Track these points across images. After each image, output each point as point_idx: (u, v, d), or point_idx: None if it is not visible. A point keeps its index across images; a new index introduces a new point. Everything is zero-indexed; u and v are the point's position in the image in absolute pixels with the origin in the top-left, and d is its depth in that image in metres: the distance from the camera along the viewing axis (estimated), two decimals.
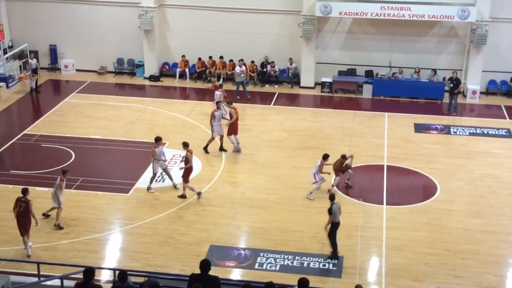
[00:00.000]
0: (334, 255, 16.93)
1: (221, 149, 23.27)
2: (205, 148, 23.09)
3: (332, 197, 17.09)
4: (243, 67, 28.91)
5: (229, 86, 30.42)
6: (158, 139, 20.38)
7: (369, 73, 30.02)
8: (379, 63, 29.95)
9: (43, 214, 18.64)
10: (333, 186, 20.58)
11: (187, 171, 19.96)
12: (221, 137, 23.24)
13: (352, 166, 20.83)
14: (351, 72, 30.18)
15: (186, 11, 30.76)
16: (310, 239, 17.93)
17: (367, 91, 29.52)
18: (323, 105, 28.80)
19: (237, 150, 23.22)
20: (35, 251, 17.05)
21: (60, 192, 18.48)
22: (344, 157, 20.39)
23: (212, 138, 23.07)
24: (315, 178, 20.24)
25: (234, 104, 23.84)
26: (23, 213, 16.85)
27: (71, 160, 22.44)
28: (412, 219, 19.18)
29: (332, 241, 16.89)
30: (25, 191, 17.09)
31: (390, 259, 17.12)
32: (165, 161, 20.66)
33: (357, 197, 20.33)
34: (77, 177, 21.28)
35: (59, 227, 18.36)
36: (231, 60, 30.54)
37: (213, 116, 22.88)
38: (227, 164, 22.41)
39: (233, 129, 23.26)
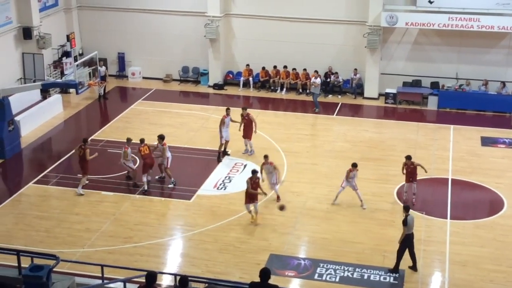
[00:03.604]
0: (396, 268, 16.68)
1: (225, 153, 23.60)
2: (225, 153, 23.61)
3: (407, 208, 16.75)
4: (318, 79, 28.73)
5: (292, 96, 30.48)
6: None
7: (434, 85, 29.51)
8: (445, 74, 29.41)
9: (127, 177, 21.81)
10: (414, 194, 20.44)
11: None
12: (227, 143, 23.56)
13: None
14: (416, 83, 29.76)
15: (251, 21, 31.00)
16: (371, 251, 17.72)
17: (432, 103, 29.01)
18: (387, 116, 28.47)
19: (250, 153, 23.63)
20: (99, 253, 17.49)
21: (126, 159, 21.18)
22: (409, 158, 20.22)
23: (221, 144, 23.43)
24: (354, 186, 20.27)
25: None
26: (82, 157, 20.73)
27: (135, 166, 22.84)
28: (477, 234, 18.70)
29: (400, 254, 16.62)
30: (85, 140, 20.94)
31: (453, 275, 16.73)
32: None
33: (420, 210, 19.98)
34: (141, 182, 21.71)
35: (135, 185, 21.27)
36: (294, 69, 30.60)
37: (222, 122, 23.18)
38: (289, 174, 22.40)
39: (246, 134, 23.54)
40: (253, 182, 18.99)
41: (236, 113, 23.91)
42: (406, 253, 16.74)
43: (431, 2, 28.25)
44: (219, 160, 23.30)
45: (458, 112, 28.65)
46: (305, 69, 30.45)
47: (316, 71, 29.45)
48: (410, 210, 16.83)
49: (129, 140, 21.72)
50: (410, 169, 20.31)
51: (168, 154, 21.57)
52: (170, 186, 21.49)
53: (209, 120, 27.33)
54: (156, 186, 21.58)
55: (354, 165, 20.19)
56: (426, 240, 18.28)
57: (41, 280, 10.37)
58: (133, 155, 21.86)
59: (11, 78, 27.75)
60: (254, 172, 19.30)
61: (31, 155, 24.66)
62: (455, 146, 24.86)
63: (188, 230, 18.90)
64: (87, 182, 21.25)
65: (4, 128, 23.53)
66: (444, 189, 21.48)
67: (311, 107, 28.71)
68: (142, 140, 21.36)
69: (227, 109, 23.66)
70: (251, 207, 19.13)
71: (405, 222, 16.45)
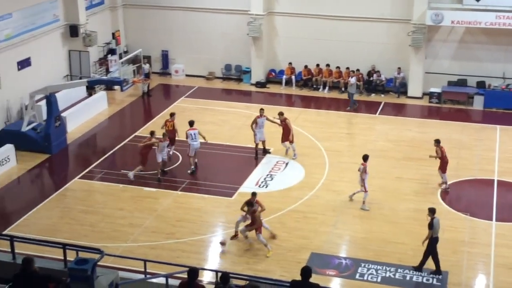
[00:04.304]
0: (438, 270, 16.48)
1: (265, 151, 23.62)
2: (265, 151, 23.66)
3: (433, 211, 16.55)
4: (353, 78, 28.43)
5: (334, 94, 30.31)
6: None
7: (480, 84, 29.00)
8: (491, 73, 28.86)
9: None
10: (445, 183, 20.61)
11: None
12: (263, 142, 23.54)
13: (459, 179, 20.27)
14: (462, 82, 29.30)
15: (294, 19, 30.94)
16: (414, 252, 17.49)
17: (478, 103, 28.52)
18: (431, 116, 28.08)
19: (294, 157, 23.33)
20: (142, 248, 17.73)
21: (158, 150, 21.68)
22: (438, 142, 20.79)
23: (256, 144, 23.33)
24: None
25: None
26: (145, 147, 21.54)
27: (178, 163, 23.11)
28: None
29: (434, 256, 16.43)
30: (152, 133, 21.82)
31: (498, 278, 16.44)
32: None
33: (464, 211, 19.69)
34: (183, 179, 21.93)
35: (158, 180, 21.73)
36: (338, 67, 30.42)
37: (255, 122, 23.23)
38: (330, 172, 22.32)
39: (285, 138, 23.28)
40: (251, 214, 17.66)
41: (272, 113, 23.92)
42: (448, 254, 16.52)
43: (478, 0, 27.74)
44: (256, 158, 23.33)
45: (505, 112, 28.08)
46: (347, 68, 30.26)
47: (352, 70, 29.27)
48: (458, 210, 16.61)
49: (164, 135, 22.21)
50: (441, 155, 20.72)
51: (191, 142, 21.98)
52: (188, 172, 22.11)
53: (251, 118, 27.26)
54: (198, 183, 21.75)
55: (365, 158, 19.94)
56: (470, 242, 18.01)
57: (86, 274, 10.54)
58: (169, 150, 22.50)
59: (58, 75, 28.31)
60: (249, 204, 17.80)
61: (76, 150, 25.13)
62: (502, 147, 24.39)
63: (229, 227, 18.97)
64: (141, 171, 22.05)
65: (51, 124, 24.03)
66: (489, 190, 21.11)
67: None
68: (171, 114, 23.35)
69: (261, 110, 23.57)
70: (247, 232, 17.86)
71: (431, 225, 16.23)
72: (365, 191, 19.82)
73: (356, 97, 28.60)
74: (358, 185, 20.03)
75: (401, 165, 22.75)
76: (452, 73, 29.43)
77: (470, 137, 25.39)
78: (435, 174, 21.64)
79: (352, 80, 28.36)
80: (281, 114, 23.61)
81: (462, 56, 29.23)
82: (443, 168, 20.86)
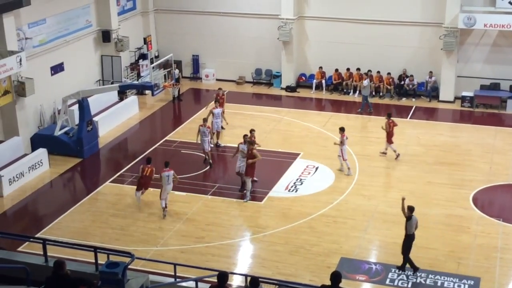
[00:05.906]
0: (402, 267, 16.62)
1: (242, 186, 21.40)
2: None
3: (411, 209, 16.41)
4: (367, 81, 28.39)
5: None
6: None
7: None
8: None
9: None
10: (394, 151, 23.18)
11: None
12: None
13: (492, 184, 20.00)
14: (495, 86, 28.90)
15: (325, 23, 30.85)
16: (445, 257, 17.35)
17: (511, 107, 28.08)
18: (463, 120, 27.74)
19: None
20: (172, 252, 17.83)
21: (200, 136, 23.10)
22: (390, 115, 23.38)
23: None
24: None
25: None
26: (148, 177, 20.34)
27: (208, 167, 23.19)
28: None
29: (405, 253, 16.45)
30: (149, 161, 20.64)
31: None
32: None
33: (497, 217, 19.40)
34: (214, 183, 22.01)
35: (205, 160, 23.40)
36: (369, 71, 30.19)
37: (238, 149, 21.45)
38: (361, 177, 22.19)
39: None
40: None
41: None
42: (481, 260, 16.30)
43: (511, 3, 27.36)
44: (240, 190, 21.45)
45: None
46: (378, 72, 30.06)
47: (365, 73, 29.22)
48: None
49: (205, 120, 23.48)
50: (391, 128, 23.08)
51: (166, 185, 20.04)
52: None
53: (281, 122, 27.40)
54: (227, 188, 21.81)
55: (342, 129, 22.28)
56: (503, 248, 17.74)
57: (117, 277, 10.61)
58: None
59: (90, 80, 28.68)
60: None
61: (108, 154, 25.39)
62: None
63: (259, 232, 19.00)
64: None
65: (83, 128, 24.32)
66: None
67: (383, 110, 28.32)
68: (219, 89, 27.13)
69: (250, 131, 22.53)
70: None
71: (409, 218, 16.30)
72: (345, 159, 22.20)
73: (384, 100, 28.37)
74: (344, 165, 22.25)
75: (433, 170, 22.52)
76: (485, 77, 29.05)
77: (503, 142, 25.02)
78: (468, 179, 21.51)
79: (365, 82, 28.26)
80: (252, 131, 22.10)
81: (495, 59, 28.84)
82: (389, 139, 23.26)
